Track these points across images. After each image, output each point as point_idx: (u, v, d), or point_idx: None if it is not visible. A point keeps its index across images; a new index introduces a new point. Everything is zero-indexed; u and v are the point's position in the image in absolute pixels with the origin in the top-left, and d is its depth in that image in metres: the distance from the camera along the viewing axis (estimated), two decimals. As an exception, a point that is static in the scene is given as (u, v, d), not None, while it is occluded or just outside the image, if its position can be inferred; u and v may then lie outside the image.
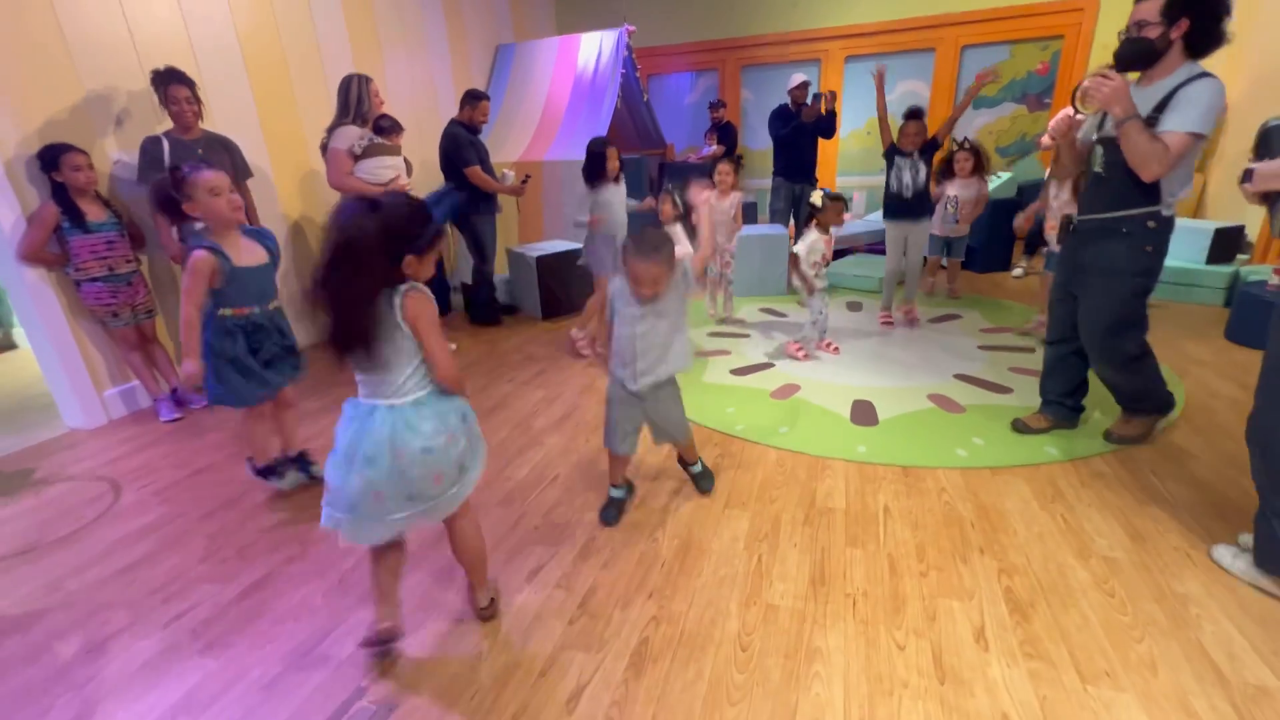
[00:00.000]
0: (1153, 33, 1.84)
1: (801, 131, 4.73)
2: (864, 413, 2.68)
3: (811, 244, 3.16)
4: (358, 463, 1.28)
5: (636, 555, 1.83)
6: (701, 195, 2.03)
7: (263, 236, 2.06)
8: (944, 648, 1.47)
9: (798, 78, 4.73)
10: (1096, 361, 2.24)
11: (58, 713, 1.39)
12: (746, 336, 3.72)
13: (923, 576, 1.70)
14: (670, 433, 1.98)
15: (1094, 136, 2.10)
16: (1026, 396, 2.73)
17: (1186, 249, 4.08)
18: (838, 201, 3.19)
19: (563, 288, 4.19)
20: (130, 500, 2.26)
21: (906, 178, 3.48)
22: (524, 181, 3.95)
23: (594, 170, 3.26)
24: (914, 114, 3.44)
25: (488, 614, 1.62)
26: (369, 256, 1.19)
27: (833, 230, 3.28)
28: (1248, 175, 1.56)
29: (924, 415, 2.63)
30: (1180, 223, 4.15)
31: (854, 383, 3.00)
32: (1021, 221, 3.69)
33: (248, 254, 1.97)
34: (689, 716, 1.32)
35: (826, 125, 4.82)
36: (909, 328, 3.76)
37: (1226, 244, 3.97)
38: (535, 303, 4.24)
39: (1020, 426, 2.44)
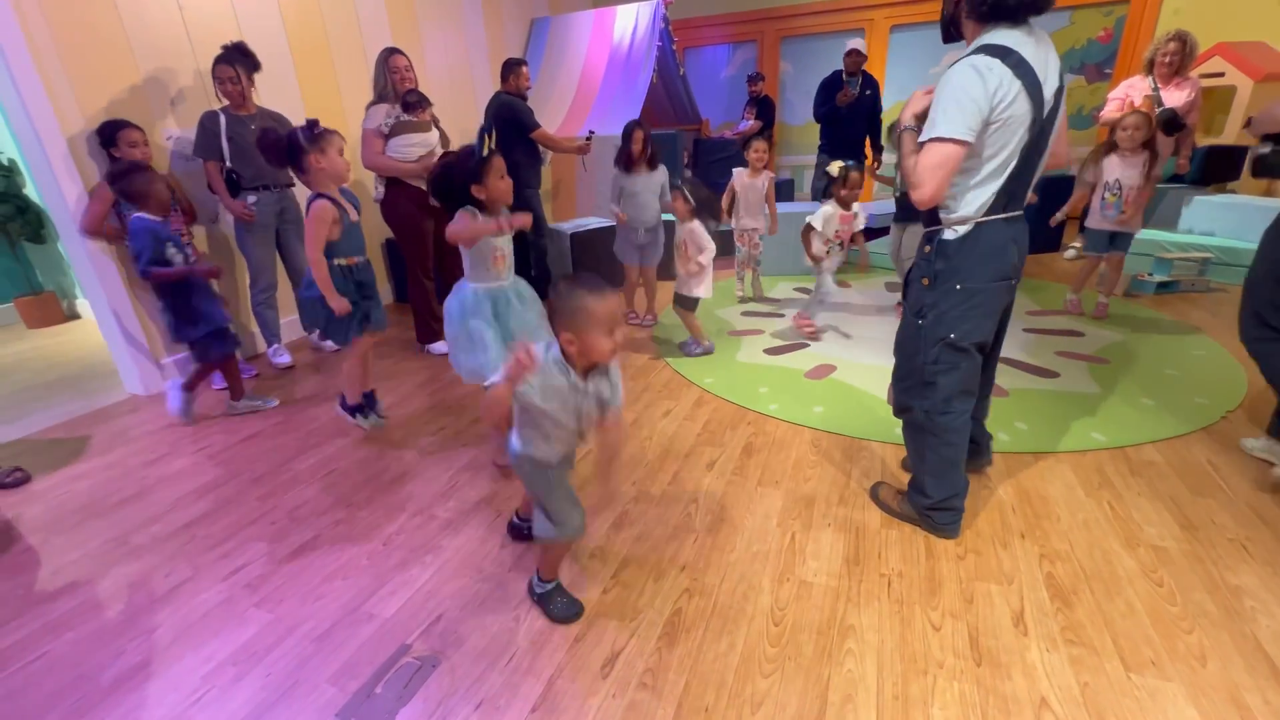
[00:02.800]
0: (949, 6, 1.52)
1: (848, 107, 4.57)
2: (902, 394, 2.63)
3: (827, 217, 3.04)
4: None
5: (669, 530, 1.85)
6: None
7: (350, 195, 2.25)
8: (981, 630, 1.45)
9: (852, 43, 4.51)
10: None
11: (128, 656, 1.49)
12: (780, 316, 3.67)
13: (960, 559, 1.68)
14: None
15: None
16: (1074, 381, 2.65)
17: (1254, 230, 3.83)
18: (856, 174, 2.99)
19: (596, 265, 4.20)
20: (187, 463, 2.38)
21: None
22: (588, 138, 3.96)
23: (620, 154, 3.30)
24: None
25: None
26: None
27: (859, 208, 3.13)
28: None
29: (964, 398, 2.57)
30: (1245, 200, 3.98)
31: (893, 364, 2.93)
32: (1062, 216, 3.55)
33: (348, 210, 2.20)
34: (721, 686, 1.34)
35: (870, 112, 4.61)
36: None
37: (1300, 224, 3.73)
38: (569, 280, 4.27)
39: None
